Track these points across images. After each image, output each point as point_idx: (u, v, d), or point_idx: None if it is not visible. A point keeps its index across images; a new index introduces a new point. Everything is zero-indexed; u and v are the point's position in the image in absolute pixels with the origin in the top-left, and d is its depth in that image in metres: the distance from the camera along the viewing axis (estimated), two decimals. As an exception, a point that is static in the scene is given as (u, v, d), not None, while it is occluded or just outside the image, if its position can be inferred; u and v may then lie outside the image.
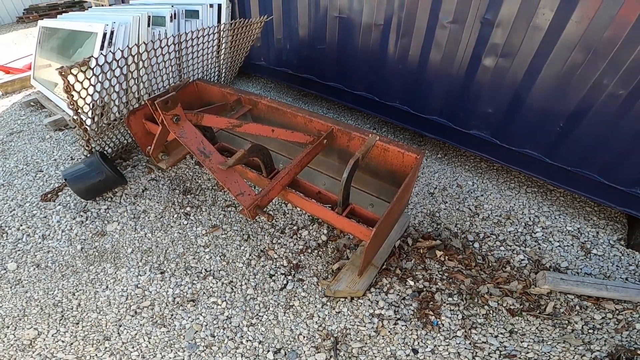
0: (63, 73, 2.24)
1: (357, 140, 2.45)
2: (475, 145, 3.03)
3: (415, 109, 3.24)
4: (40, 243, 2.67)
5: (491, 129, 2.88)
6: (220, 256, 2.55)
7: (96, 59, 2.47)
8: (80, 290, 2.38)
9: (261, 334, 2.13)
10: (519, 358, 1.95)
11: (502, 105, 2.73)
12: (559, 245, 2.56)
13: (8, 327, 2.19)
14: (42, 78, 4.34)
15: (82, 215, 2.85)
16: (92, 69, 2.46)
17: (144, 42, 2.69)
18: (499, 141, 2.87)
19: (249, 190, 2.08)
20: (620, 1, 2.02)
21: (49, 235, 2.72)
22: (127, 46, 2.65)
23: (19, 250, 2.62)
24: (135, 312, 2.25)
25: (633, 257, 2.47)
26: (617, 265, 2.42)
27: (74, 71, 2.36)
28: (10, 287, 2.40)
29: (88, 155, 2.98)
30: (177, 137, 2.03)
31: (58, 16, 4.23)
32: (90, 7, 9.46)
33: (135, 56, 2.73)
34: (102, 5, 8.98)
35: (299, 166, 2.30)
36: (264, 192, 2.09)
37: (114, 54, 2.53)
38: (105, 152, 3.15)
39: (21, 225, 2.79)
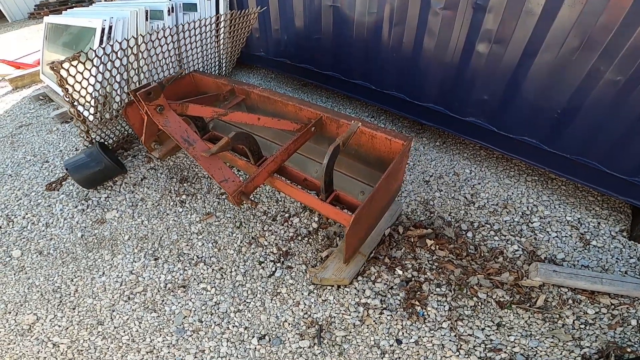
0: (55, 68, 2.30)
1: (346, 128, 2.43)
2: (472, 133, 2.96)
3: (411, 97, 3.18)
4: (43, 231, 2.77)
5: (487, 116, 2.80)
6: (212, 243, 2.59)
7: (95, 51, 2.53)
8: (78, 276, 2.46)
9: (247, 320, 2.16)
10: (505, 352, 1.90)
11: (498, 92, 2.65)
12: (557, 236, 2.48)
13: (10, 312, 2.29)
14: (50, 72, 4.46)
15: (83, 204, 2.94)
16: (92, 61, 2.51)
17: (134, 36, 2.72)
18: (496, 128, 2.79)
19: (233, 177, 2.10)
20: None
21: (52, 223, 2.82)
22: (116, 40, 2.68)
23: (23, 238, 2.73)
24: (129, 298, 2.31)
25: (635, 250, 2.36)
26: (617, 258, 2.32)
27: (65, 65, 2.41)
28: (14, 274, 2.50)
29: (89, 145, 3.06)
30: (161, 126, 2.06)
31: (63, 12, 4.34)
32: (100, 1, 9.65)
33: (134, 47, 2.77)
34: (109, 0, 9.15)
35: (286, 153, 2.30)
36: (249, 178, 2.10)
37: (104, 48, 2.57)
38: (106, 142, 3.22)
39: (26, 214, 2.90)
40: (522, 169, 3.04)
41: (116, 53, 2.71)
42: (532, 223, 2.58)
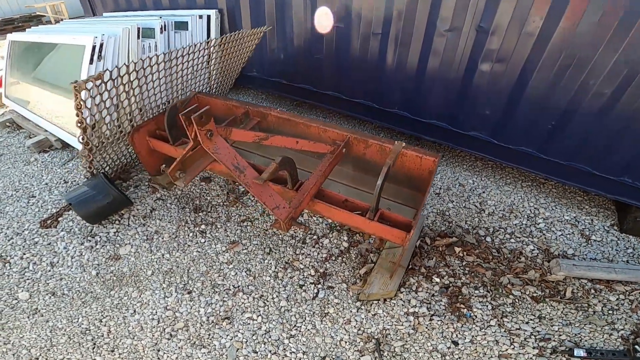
0: (77, 88, 2.14)
1: (374, 148, 2.54)
2: (473, 146, 3.22)
3: (414, 114, 3.38)
4: (50, 271, 2.54)
5: (489, 130, 3.07)
6: (245, 271, 2.54)
7: (119, 69, 2.39)
8: (107, 316, 2.30)
9: (303, 344, 2.16)
10: (554, 341, 2.11)
11: (499, 107, 2.92)
12: (562, 234, 2.78)
13: (37, 358, 2.10)
14: (14, 96, 4.08)
15: (90, 240, 2.73)
16: (106, 83, 2.36)
17: (141, 58, 2.60)
18: (497, 141, 3.07)
19: (283, 204, 2.11)
20: (600, 11, 2.26)
21: (57, 262, 2.59)
22: (125, 63, 2.52)
23: (28, 279, 2.49)
24: (171, 335, 2.20)
25: (628, 241, 2.72)
26: (616, 250, 2.66)
27: (89, 86, 2.26)
28: (28, 317, 2.29)
29: (90, 177, 2.86)
30: (211, 153, 2.01)
31: (27, 30, 4.00)
32: (49, 21, 8.97)
33: (132, 74, 2.61)
34: (62, 19, 8.55)
35: (324, 176, 2.35)
36: (294, 203, 2.12)
37: (127, 66, 2.43)
38: (106, 172, 3.03)
39: (24, 254, 2.64)
40: (516, 175, 3.36)
41: (136, 73, 2.56)
42: (538, 224, 2.86)
